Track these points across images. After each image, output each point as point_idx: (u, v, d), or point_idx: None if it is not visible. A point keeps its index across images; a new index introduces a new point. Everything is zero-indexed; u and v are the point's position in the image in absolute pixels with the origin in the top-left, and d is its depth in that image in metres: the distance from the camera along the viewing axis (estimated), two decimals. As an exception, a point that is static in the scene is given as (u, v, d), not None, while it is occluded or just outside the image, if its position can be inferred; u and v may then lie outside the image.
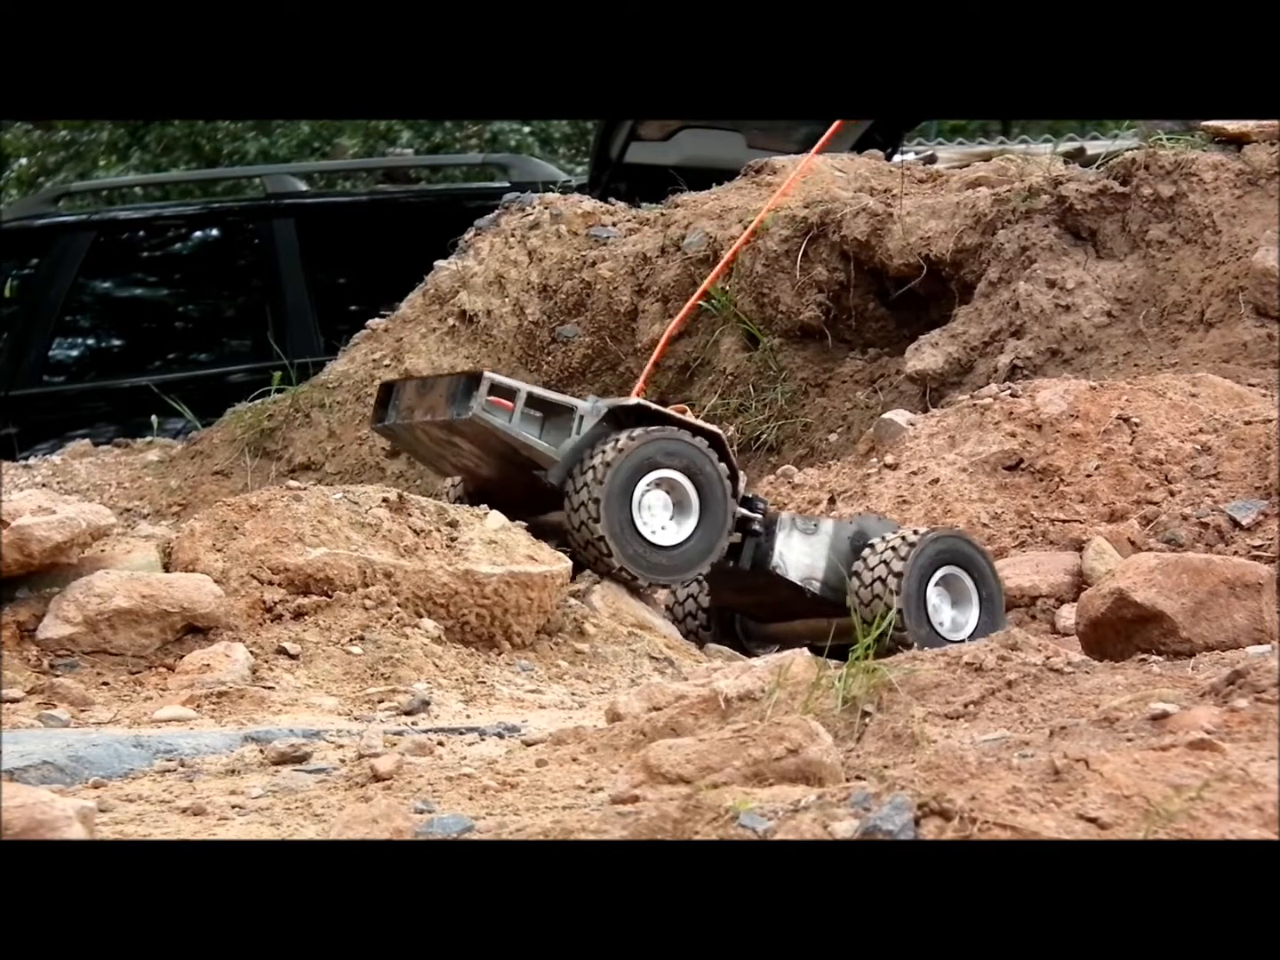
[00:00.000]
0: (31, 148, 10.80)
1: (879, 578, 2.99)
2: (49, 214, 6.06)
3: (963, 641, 3.01)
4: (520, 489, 3.02)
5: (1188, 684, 1.73)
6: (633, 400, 3.07)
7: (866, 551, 3.03)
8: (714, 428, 3.06)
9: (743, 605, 3.14)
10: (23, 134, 10.70)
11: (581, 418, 2.96)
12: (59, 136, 10.67)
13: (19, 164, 10.81)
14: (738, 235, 4.57)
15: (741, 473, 3.10)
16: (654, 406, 3.05)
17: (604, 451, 2.91)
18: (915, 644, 2.95)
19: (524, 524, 2.89)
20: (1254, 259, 3.94)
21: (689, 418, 3.05)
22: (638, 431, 2.94)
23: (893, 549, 3.00)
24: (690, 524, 2.94)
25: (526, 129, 10.10)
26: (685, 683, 2.13)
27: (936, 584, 3.02)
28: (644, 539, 2.92)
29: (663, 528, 2.94)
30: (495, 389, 2.92)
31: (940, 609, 3.04)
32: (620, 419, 2.99)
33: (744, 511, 3.05)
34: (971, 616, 3.04)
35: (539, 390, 3.00)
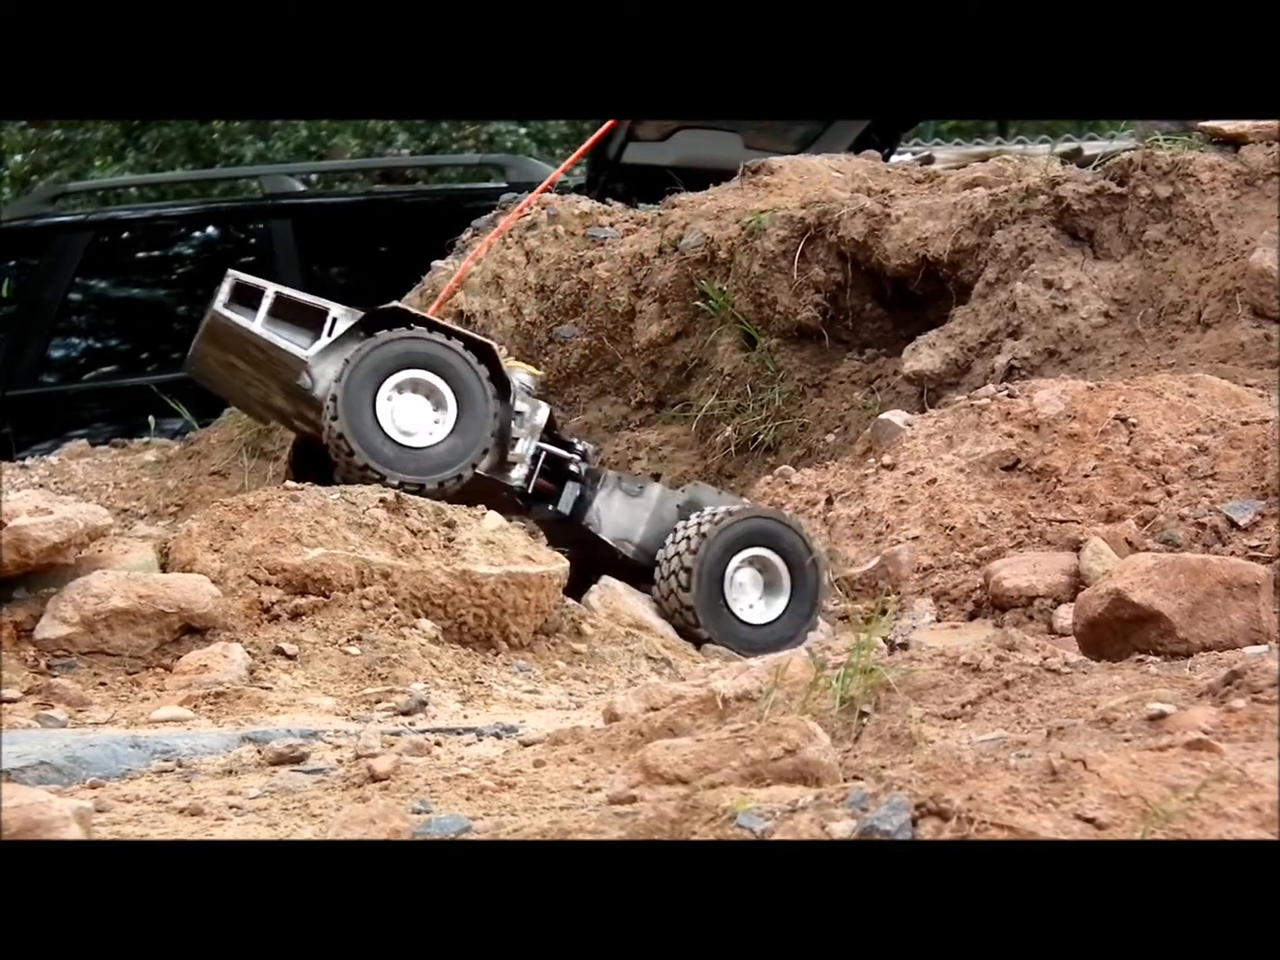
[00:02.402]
0: (25, 145, 10.78)
1: (678, 552, 2.97)
2: (46, 214, 6.06)
3: (764, 625, 3.00)
4: (284, 400, 2.92)
5: (1185, 684, 1.73)
6: (389, 305, 2.94)
7: (681, 523, 3.00)
8: (486, 339, 2.96)
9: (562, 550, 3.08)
10: (17, 131, 10.68)
11: (335, 320, 2.85)
12: (53, 135, 10.66)
13: (13, 161, 10.79)
14: (735, 235, 4.57)
15: (557, 412, 3.02)
16: (414, 311, 2.93)
17: (350, 352, 2.81)
18: (704, 626, 2.95)
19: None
20: (1251, 259, 3.94)
21: (453, 325, 2.96)
22: (384, 333, 2.83)
23: (699, 524, 2.97)
24: (447, 424, 2.86)
25: (523, 129, 10.09)
26: (683, 683, 2.13)
27: (741, 565, 2.98)
28: (389, 438, 2.82)
29: (416, 430, 2.84)
30: (240, 287, 2.81)
31: (745, 590, 2.99)
32: (379, 324, 2.88)
33: (558, 451, 2.99)
34: (781, 601, 2.99)
35: (289, 291, 2.88)
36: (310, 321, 2.86)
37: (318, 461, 3.03)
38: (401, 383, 2.85)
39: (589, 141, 4.44)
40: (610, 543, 3.05)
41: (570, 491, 3.01)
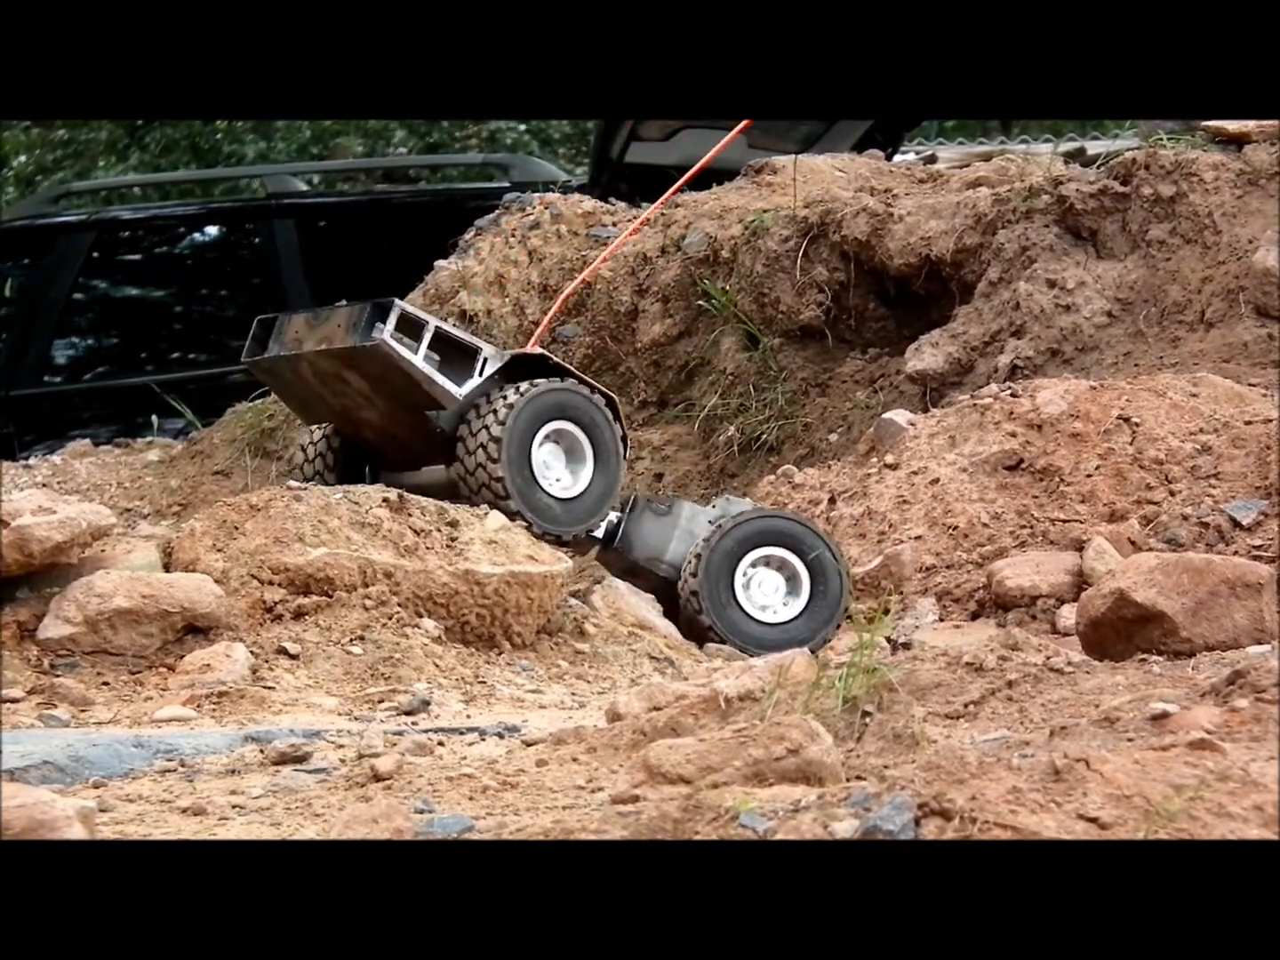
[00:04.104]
0: (29, 145, 10.79)
1: (697, 554, 2.98)
2: (49, 214, 6.06)
3: (780, 625, 3.00)
4: (399, 437, 2.92)
5: (1188, 684, 1.73)
6: (536, 350, 2.99)
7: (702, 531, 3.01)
8: (610, 393, 3.02)
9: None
10: (20, 131, 10.69)
11: (485, 360, 2.87)
12: (57, 135, 10.67)
13: (17, 162, 10.80)
14: (738, 235, 4.57)
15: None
16: (555, 359, 2.98)
17: (507, 395, 2.84)
18: (714, 626, 2.94)
19: (391, 483, 2.79)
20: (1254, 259, 3.94)
21: (586, 377, 3.00)
22: (542, 382, 2.87)
23: (718, 526, 2.98)
24: (584, 477, 2.91)
25: (523, 128, 10.08)
26: (685, 683, 2.13)
27: (754, 564, 2.99)
28: (541, 487, 2.86)
29: (558, 479, 2.90)
30: (403, 319, 2.81)
31: (761, 588, 2.99)
32: (521, 368, 2.91)
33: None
34: (799, 602, 3.00)
35: (447, 326, 2.90)
36: (455, 355, 2.87)
37: (354, 460, 2.99)
38: (549, 433, 2.90)
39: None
40: (643, 564, 3.06)
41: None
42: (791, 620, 3.01)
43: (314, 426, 3.10)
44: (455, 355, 2.88)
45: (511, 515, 2.85)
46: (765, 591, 3.02)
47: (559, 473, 2.93)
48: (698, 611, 2.99)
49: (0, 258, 6.00)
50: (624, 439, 2.99)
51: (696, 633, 3.01)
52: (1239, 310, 3.92)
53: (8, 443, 5.51)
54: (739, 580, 3.00)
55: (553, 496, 2.91)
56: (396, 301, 2.83)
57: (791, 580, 3.03)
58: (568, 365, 3.03)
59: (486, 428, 2.85)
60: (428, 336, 2.82)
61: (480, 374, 2.87)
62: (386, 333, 2.78)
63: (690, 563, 3.00)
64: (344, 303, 2.97)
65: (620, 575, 3.02)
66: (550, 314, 4.10)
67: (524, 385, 2.89)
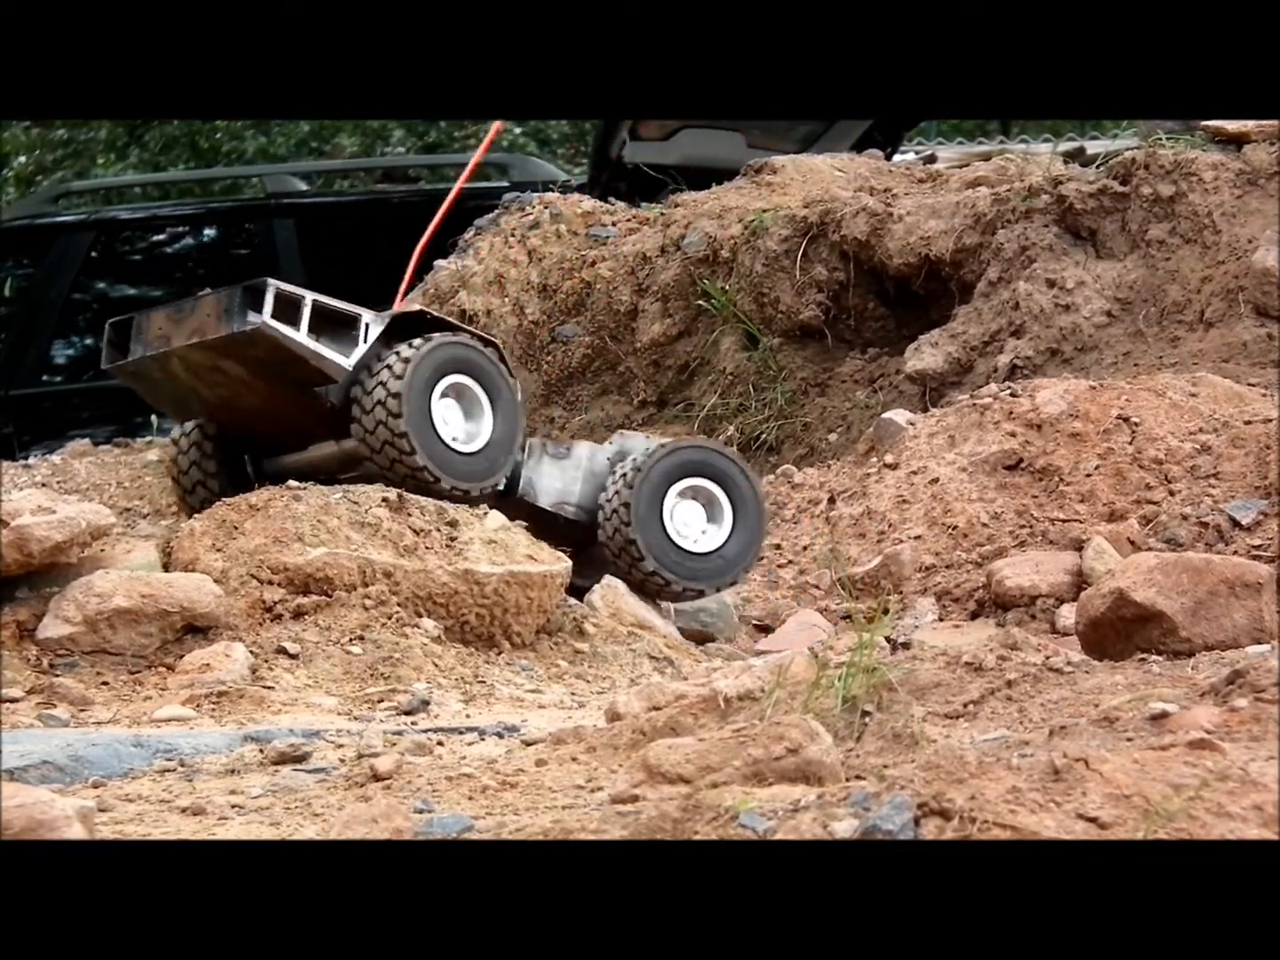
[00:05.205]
0: (30, 145, 10.79)
1: (617, 491, 2.98)
2: (49, 214, 6.06)
3: (710, 554, 3.03)
4: (284, 419, 2.82)
5: (1187, 684, 1.73)
6: (415, 307, 2.91)
7: (617, 468, 3.00)
8: (493, 338, 2.95)
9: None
10: (20, 131, 10.69)
11: (367, 325, 2.79)
12: (57, 135, 10.67)
13: (17, 162, 10.80)
14: (737, 235, 4.57)
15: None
16: (435, 314, 2.90)
17: (399, 353, 2.75)
18: (648, 558, 2.94)
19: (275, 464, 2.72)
20: (1254, 258, 3.94)
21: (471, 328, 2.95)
22: (429, 336, 2.80)
23: (632, 462, 2.98)
24: (485, 429, 2.85)
25: (519, 129, 10.06)
26: (685, 682, 2.13)
27: (680, 495, 3.00)
28: (443, 441, 2.79)
29: (456, 437, 2.84)
30: (279, 298, 2.68)
31: (687, 521, 3.01)
32: (405, 329, 2.83)
33: None
34: (724, 530, 3.02)
35: (323, 298, 2.78)
36: (336, 326, 2.78)
37: (229, 449, 2.90)
38: (445, 388, 2.85)
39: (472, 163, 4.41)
40: (550, 509, 3.03)
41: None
42: (716, 550, 3.02)
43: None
44: (335, 325, 2.79)
45: (417, 471, 2.77)
46: (688, 521, 3.02)
47: (457, 429, 2.86)
48: (639, 559, 2.95)
49: (0, 257, 6.00)
50: (516, 386, 2.93)
51: (619, 574, 3.01)
52: (1238, 310, 3.92)
53: (7, 442, 5.51)
54: (666, 512, 3.00)
55: (457, 452, 2.83)
56: (270, 281, 2.71)
57: (711, 507, 3.04)
58: (449, 319, 2.94)
59: (383, 384, 2.75)
60: (307, 311, 2.71)
61: (365, 340, 2.78)
62: (266, 315, 2.67)
63: (612, 499, 2.98)
64: (207, 291, 2.86)
65: (524, 523, 2.93)
66: (416, 254, 4.05)
67: (416, 341, 2.80)
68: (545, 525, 2.99)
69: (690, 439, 3.28)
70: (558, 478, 3.03)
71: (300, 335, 2.71)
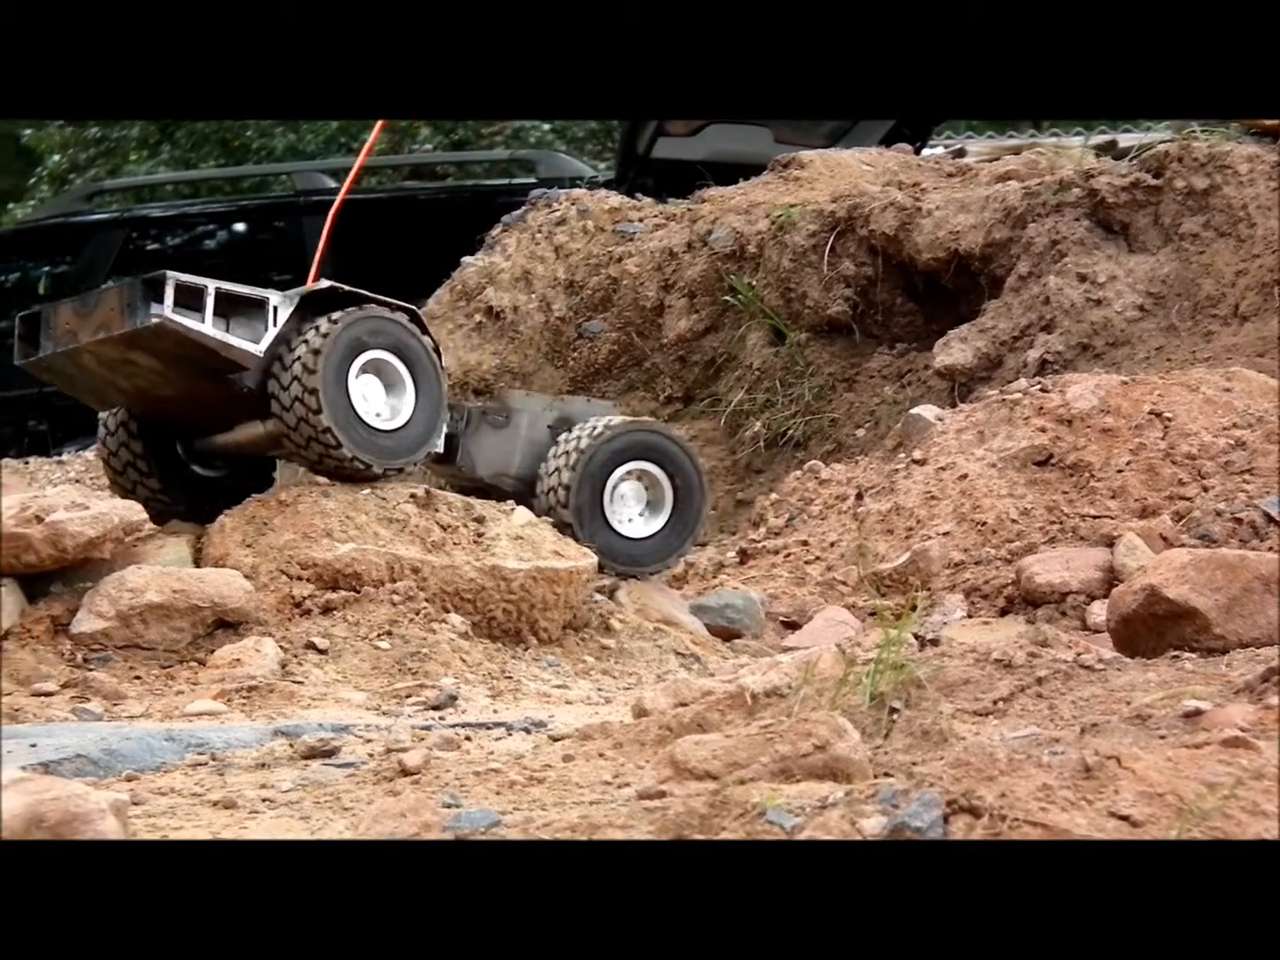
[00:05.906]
0: (63, 144, 10.89)
1: (557, 468, 2.93)
2: (82, 212, 6.12)
3: (646, 539, 3.01)
4: (205, 404, 2.77)
5: (1221, 681, 1.71)
6: (324, 284, 2.82)
7: (561, 438, 2.96)
8: (409, 306, 2.84)
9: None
10: (54, 130, 10.80)
11: (276, 308, 2.72)
12: (90, 133, 10.77)
13: (51, 160, 10.91)
14: (765, 230, 4.56)
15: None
16: (345, 288, 2.80)
17: (308, 340, 2.69)
18: (583, 540, 2.90)
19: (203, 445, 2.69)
20: (1289, 252, 3.89)
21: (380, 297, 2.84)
22: (338, 314, 2.72)
23: (577, 439, 2.93)
24: (409, 402, 2.78)
25: (546, 125, 10.08)
26: (712, 679, 2.13)
27: (623, 478, 2.97)
28: (367, 425, 2.73)
29: (379, 413, 2.77)
30: (180, 289, 2.63)
31: (626, 504, 2.98)
32: (318, 306, 2.76)
33: None
34: (662, 517, 2.99)
35: (226, 285, 2.72)
36: (243, 311, 2.73)
37: (157, 433, 2.89)
38: (362, 365, 2.79)
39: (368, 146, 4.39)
40: (489, 480, 2.99)
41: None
42: (653, 535, 3.01)
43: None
44: (243, 309, 2.74)
45: (346, 462, 2.73)
46: (628, 504, 3.01)
47: (379, 405, 2.79)
48: (560, 527, 2.91)
49: (34, 255, 6.06)
50: (436, 350, 2.84)
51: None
52: (1273, 304, 3.87)
53: (42, 439, 5.57)
54: (607, 495, 2.97)
55: (381, 431, 2.77)
56: (169, 273, 2.65)
57: (653, 491, 3.03)
58: (358, 290, 2.84)
59: (298, 378, 2.70)
60: (210, 301, 2.66)
61: (274, 324, 2.73)
62: (166, 309, 2.63)
63: (553, 474, 2.93)
64: (110, 283, 2.83)
65: (461, 493, 2.90)
66: (325, 232, 3.99)
67: (323, 325, 2.73)
68: (482, 493, 2.97)
69: (638, 420, 3.19)
70: (497, 448, 2.98)
71: (205, 325, 2.68)
